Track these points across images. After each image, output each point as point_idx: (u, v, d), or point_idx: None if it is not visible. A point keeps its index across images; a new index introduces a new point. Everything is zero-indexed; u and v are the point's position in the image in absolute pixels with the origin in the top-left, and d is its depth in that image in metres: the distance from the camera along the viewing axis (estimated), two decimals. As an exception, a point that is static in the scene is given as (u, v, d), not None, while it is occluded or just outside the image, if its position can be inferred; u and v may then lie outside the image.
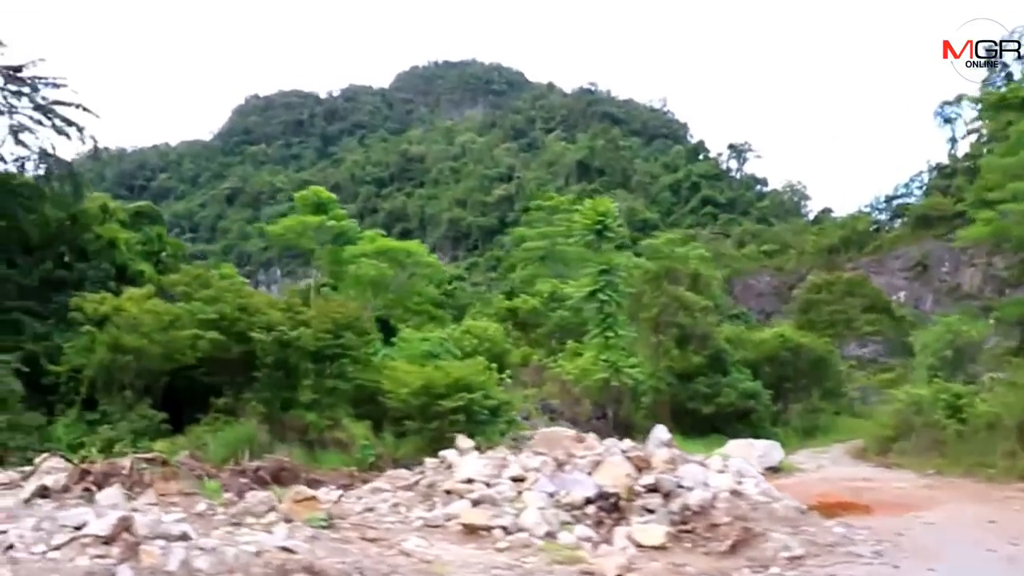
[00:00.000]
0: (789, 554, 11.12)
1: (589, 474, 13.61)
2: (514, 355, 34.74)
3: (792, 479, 21.15)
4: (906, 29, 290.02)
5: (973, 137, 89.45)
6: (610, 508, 12.79)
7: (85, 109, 26.78)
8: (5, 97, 25.02)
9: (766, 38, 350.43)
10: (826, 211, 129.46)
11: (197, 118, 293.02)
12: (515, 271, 70.78)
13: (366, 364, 23.58)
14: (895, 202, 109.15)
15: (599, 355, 29.15)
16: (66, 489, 14.25)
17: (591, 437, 15.44)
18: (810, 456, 27.54)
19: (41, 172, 26.95)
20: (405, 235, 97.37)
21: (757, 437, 27.50)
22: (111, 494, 13.52)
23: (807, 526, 12.71)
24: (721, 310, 46.78)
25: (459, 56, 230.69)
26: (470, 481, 13.33)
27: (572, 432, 15.79)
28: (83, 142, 27.01)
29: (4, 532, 10.91)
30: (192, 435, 20.26)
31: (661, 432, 15.25)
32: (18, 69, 25.30)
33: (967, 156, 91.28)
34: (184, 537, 10.56)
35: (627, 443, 14.89)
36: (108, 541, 10.17)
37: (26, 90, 25.46)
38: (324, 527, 11.95)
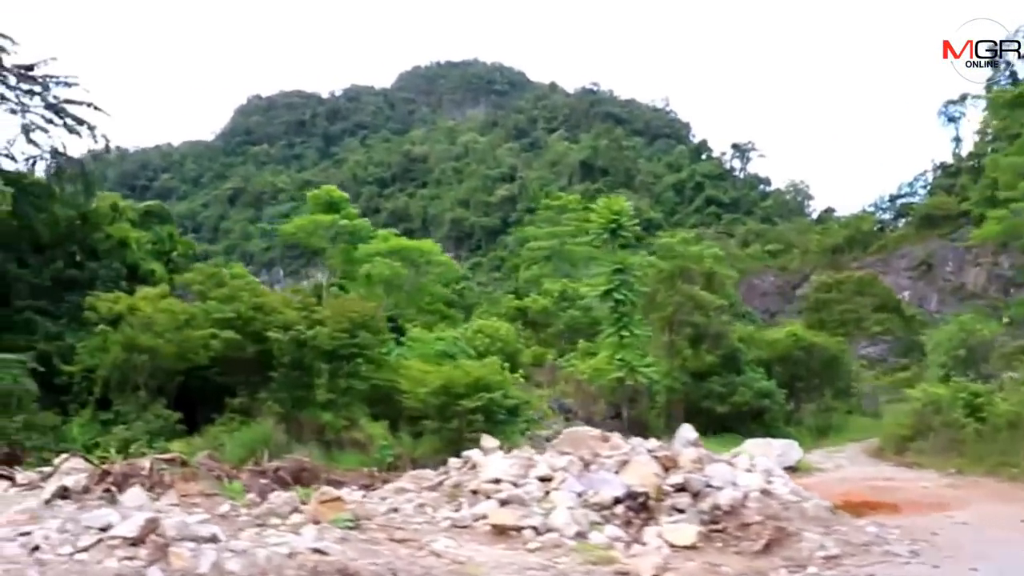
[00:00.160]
0: (825, 554, 11.00)
1: (616, 473, 13.47)
2: (525, 355, 34.63)
3: (811, 479, 20.98)
4: (909, 28, 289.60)
5: (977, 136, 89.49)
6: (639, 508, 12.64)
7: (96, 108, 26.73)
8: (17, 96, 24.90)
9: (768, 37, 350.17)
10: (829, 210, 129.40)
11: (199, 118, 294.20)
12: (520, 271, 70.65)
13: (380, 364, 23.44)
14: (899, 201, 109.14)
15: (614, 354, 28.99)
16: (86, 490, 14.09)
17: (616, 436, 15.30)
18: (826, 456, 27.34)
19: (52, 171, 26.81)
20: (408, 235, 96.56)
21: (771, 436, 27.33)
22: (135, 495, 13.38)
23: (839, 525, 12.57)
24: (735, 309, 46.59)
25: (461, 56, 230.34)
26: (497, 481, 13.17)
27: (597, 431, 15.61)
28: (95, 140, 26.88)
29: (28, 533, 10.78)
30: (208, 435, 20.15)
31: (687, 431, 15.10)
32: (30, 68, 25.19)
33: (971, 155, 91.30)
34: (214, 539, 10.42)
35: (653, 442, 14.75)
36: (136, 543, 10.03)
37: (38, 89, 25.36)
38: (351, 528, 11.82)
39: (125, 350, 21.52)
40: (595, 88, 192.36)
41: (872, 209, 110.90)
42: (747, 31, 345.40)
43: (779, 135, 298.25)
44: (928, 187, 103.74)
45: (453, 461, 14.98)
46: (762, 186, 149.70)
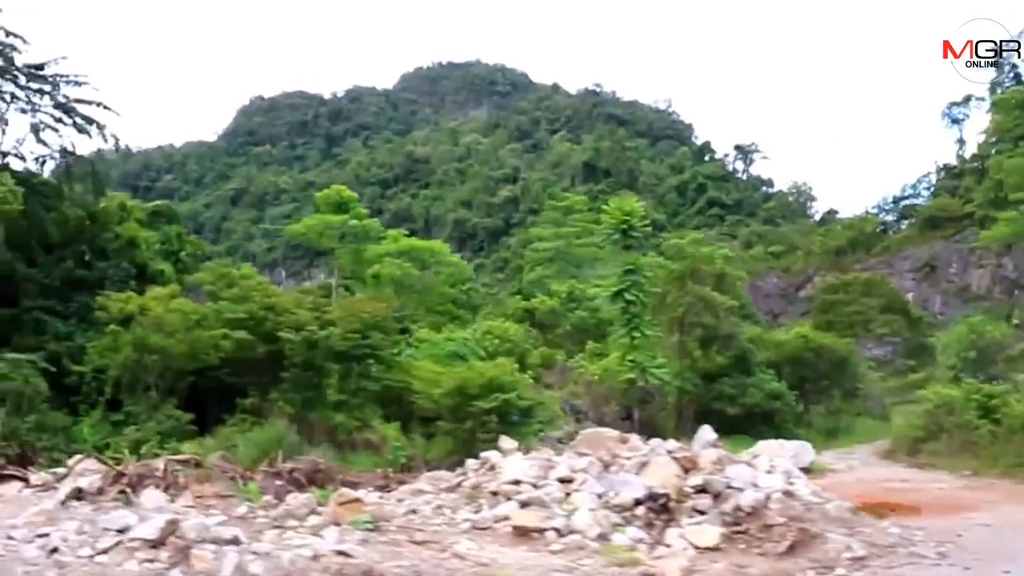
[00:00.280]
0: (852, 555, 10.91)
1: (636, 475, 13.37)
2: (534, 356, 34.53)
3: (825, 480, 20.83)
4: (913, 29, 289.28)
5: (981, 138, 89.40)
6: (659, 509, 12.54)
7: (105, 107, 26.62)
8: (27, 95, 24.80)
9: (770, 39, 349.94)
10: (831, 212, 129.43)
11: (201, 119, 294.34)
12: (523, 272, 70.58)
13: (391, 364, 23.35)
14: (902, 203, 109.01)
15: (625, 355, 28.85)
16: (101, 491, 14.01)
17: (634, 438, 15.19)
18: (837, 457, 27.25)
19: (62, 170, 26.71)
20: (410, 236, 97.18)
21: (781, 438, 27.20)
22: (153, 497, 13.29)
23: (862, 527, 12.48)
24: (746, 310, 46.49)
25: (463, 57, 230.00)
26: (517, 482, 13.07)
27: (615, 433, 15.51)
28: (105, 140, 26.78)
29: (46, 535, 10.68)
30: (220, 436, 20.05)
31: (707, 432, 14.98)
32: (40, 67, 25.10)
33: (975, 157, 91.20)
34: (235, 541, 10.32)
35: (672, 443, 14.64)
36: (156, 545, 9.93)
37: (47, 88, 25.25)
38: (370, 530, 11.72)
39: (136, 350, 21.42)
40: (597, 89, 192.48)
41: (875, 211, 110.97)
42: (749, 32, 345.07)
43: (782, 137, 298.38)
44: (931, 189, 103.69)
45: (470, 462, 14.86)
46: (765, 188, 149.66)
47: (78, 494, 13.61)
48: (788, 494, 12.93)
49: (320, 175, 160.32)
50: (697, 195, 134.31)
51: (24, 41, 24.60)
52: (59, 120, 25.74)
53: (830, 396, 38.22)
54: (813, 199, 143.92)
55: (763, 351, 35.93)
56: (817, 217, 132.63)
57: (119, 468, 14.68)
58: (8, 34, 24.20)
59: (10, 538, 10.69)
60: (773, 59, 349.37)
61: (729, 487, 12.77)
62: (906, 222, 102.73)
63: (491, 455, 14.66)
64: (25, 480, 15.45)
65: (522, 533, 11.66)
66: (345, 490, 13.13)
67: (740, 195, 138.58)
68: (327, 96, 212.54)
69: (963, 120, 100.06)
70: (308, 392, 21.39)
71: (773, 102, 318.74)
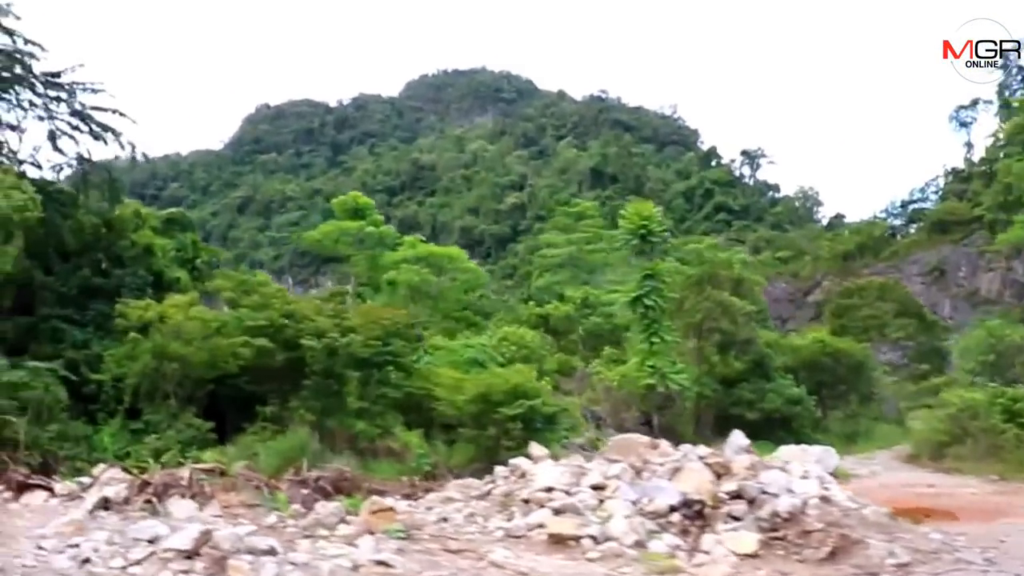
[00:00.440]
0: (896, 561, 10.75)
1: (668, 481, 13.23)
2: (550, 362, 34.40)
3: (851, 485, 20.55)
4: (919, 34, 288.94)
5: (989, 141, 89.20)
6: (694, 516, 12.43)
7: (122, 114, 26.61)
8: (45, 103, 24.78)
9: (776, 43, 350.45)
10: (838, 217, 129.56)
11: (208, 127, 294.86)
12: (532, 278, 70.54)
13: (410, 371, 23.23)
14: (910, 207, 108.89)
15: (644, 361, 28.75)
16: (127, 501, 13.94)
17: (664, 443, 15.05)
18: (858, 462, 27.03)
19: (78, 177, 26.68)
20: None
21: (800, 443, 26.98)
22: (184, 506, 13.19)
23: (901, 533, 12.29)
24: (764, 315, 46.34)
25: (468, 64, 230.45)
26: (549, 490, 12.93)
27: (646, 439, 15.37)
28: (121, 147, 26.77)
29: (76, 545, 10.57)
30: (241, 445, 19.89)
31: (739, 438, 14.83)
32: (57, 74, 25.08)
33: (983, 160, 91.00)
34: (272, 551, 10.20)
35: (703, 449, 14.50)
36: (191, 556, 9.81)
37: (64, 95, 25.25)
38: (402, 538, 11.59)
39: (155, 358, 21.30)
40: (603, 96, 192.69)
41: (883, 215, 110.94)
42: (754, 37, 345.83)
43: (788, 141, 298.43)
44: (939, 192, 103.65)
45: (499, 469, 14.74)
46: (772, 193, 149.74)
47: (104, 503, 13.54)
48: (825, 499, 12.76)
49: (326, 183, 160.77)
50: (704, 200, 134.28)
51: (42, 49, 24.61)
52: (75, 127, 25.74)
53: (847, 401, 38.04)
54: (820, 204, 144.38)
55: (780, 356, 35.78)
56: (824, 222, 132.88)
57: (144, 477, 14.60)
58: (27, 42, 24.21)
59: (40, 548, 10.60)
60: (778, 63, 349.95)
61: (764, 493, 12.63)
62: (914, 226, 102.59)
63: (521, 462, 14.53)
64: (50, 490, 15.38)
65: (558, 541, 11.53)
66: (377, 499, 13.02)
67: (747, 200, 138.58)
68: (333, 104, 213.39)
69: (971, 123, 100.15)
70: (328, 400, 21.25)
71: (779, 107, 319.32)
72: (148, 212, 31.63)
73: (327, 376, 21.22)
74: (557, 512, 12.25)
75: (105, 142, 26.31)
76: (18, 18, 24.05)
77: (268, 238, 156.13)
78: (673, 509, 12.44)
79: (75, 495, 14.73)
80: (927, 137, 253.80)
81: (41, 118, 25.03)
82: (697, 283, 33.27)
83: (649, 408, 29.62)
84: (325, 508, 12.90)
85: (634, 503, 12.59)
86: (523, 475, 14.05)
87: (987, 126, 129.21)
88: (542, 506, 12.59)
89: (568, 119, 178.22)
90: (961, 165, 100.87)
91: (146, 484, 14.27)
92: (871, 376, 40.33)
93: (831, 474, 22.35)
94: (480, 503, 13.70)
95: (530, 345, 32.91)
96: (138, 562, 10.01)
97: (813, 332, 42.47)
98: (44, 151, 26.06)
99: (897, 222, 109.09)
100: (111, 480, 14.59)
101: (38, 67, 24.87)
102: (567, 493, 12.88)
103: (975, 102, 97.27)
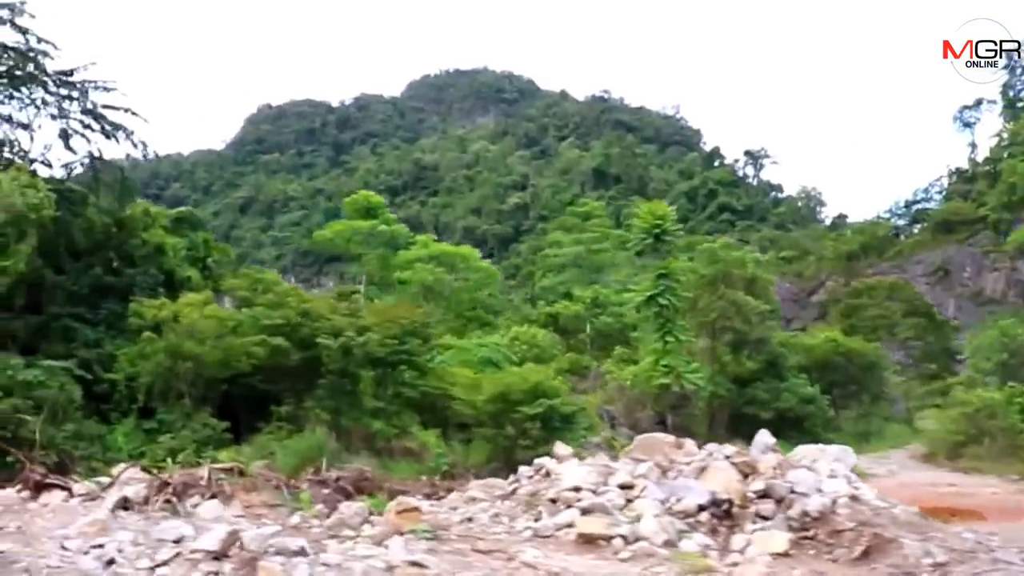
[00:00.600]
0: (932, 561, 10.52)
1: (695, 480, 13.11)
2: (562, 361, 34.27)
3: (871, 485, 20.48)
4: (923, 34, 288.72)
5: (993, 141, 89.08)
6: (722, 515, 12.28)
7: (134, 113, 26.53)
8: (57, 101, 24.66)
9: (779, 43, 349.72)
10: (841, 217, 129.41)
11: (209, 128, 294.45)
12: (536, 278, 70.45)
13: (425, 371, 23.09)
14: (914, 207, 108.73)
15: (658, 360, 28.60)
16: (147, 500, 13.77)
17: (689, 443, 14.91)
18: (873, 461, 26.89)
19: (90, 176, 26.56)
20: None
21: (813, 443, 26.87)
22: (210, 507, 13.02)
23: (933, 532, 12.11)
24: (777, 315, 46.23)
25: (470, 64, 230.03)
26: (577, 489, 12.78)
27: (671, 437, 15.21)
28: (134, 145, 26.65)
29: (101, 546, 10.41)
30: (257, 444, 19.77)
31: (765, 437, 14.66)
32: (69, 73, 24.97)
33: (988, 160, 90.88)
34: (302, 552, 10.03)
35: (728, 448, 14.36)
36: (219, 556, 9.64)
37: (76, 94, 25.14)
38: (429, 539, 11.44)
39: (169, 357, 21.17)
40: (605, 96, 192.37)
41: (887, 215, 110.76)
42: (757, 37, 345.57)
43: (791, 141, 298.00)
44: (943, 193, 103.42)
45: (524, 469, 14.55)
46: (775, 193, 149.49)
47: (124, 503, 13.38)
48: (854, 499, 12.61)
49: (328, 183, 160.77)
50: (707, 201, 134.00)
51: (55, 47, 24.52)
52: (87, 126, 25.65)
53: (859, 401, 37.92)
54: (823, 204, 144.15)
55: (793, 355, 35.66)
56: (827, 222, 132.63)
57: (163, 477, 14.45)
58: (40, 40, 24.11)
59: (64, 548, 10.42)
60: (781, 63, 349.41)
61: (793, 492, 12.49)
62: (918, 226, 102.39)
63: (545, 461, 14.34)
64: (68, 489, 15.23)
65: (587, 541, 11.36)
66: (403, 498, 12.86)
67: (750, 200, 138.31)
68: (335, 104, 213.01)
69: (975, 124, 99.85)
70: (344, 399, 21.11)
71: (782, 107, 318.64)
72: (158, 211, 31.47)
73: (342, 375, 21.07)
74: (585, 512, 12.07)
75: (117, 140, 26.26)
76: (32, 16, 23.99)
77: (270, 238, 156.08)
78: (702, 508, 12.25)
79: (94, 495, 14.55)
80: (931, 137, 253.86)
81: (53, 117, 24.99)
82: (711, 282, 33.14)
83: (663, 407, 29.47)
84: (349, 508, 12.69)
85: (662, 502, 12.41)
86: (548, 475, 13.86)
87: (991, 126, 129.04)
88: (569, 506, 12.40)
89: (570, 119, 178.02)
90: (965, 165, 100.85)
91: (165, 484, 14.08)
92: (882, 376, 40.23)
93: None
94: (505, 503, 13.49)
95: (541, 344, 32.78)
96: (165, 563, 9.82)
97: (825, 331, 42.34)
98: (55, 150, 26.00)
99: (901, 222, 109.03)
100: (130, 480, 14.42)
101: (51, 66, 24.79)
102: (594, 493, 12.70)
103: (979, 102, 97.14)
